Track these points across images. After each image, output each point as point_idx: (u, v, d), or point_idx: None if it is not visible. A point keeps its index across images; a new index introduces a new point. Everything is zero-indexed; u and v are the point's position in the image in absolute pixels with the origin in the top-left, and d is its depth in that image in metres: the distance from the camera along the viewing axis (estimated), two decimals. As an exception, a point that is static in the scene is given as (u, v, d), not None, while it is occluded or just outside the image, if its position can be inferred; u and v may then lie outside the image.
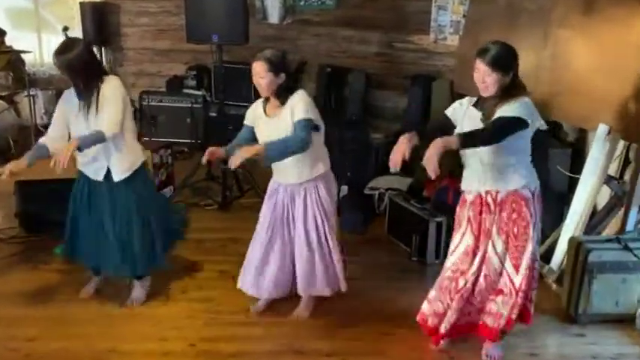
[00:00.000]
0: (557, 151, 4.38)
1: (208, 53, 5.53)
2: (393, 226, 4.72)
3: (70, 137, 3.38)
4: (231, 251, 4.38)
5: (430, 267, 4.23)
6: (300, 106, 3.19)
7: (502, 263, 3.07)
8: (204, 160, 3.34)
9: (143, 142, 5.31)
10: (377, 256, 4.45)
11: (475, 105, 3.05)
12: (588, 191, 3.90)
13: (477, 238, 3.10)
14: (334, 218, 3.45)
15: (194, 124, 6.46)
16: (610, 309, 3.53)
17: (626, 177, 3.92)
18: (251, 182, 5.23)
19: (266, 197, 3.50)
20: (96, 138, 3.24)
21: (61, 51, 3.21)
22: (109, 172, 3.43)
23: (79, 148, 3.20)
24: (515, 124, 2.84)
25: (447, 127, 3.09)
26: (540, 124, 2.98)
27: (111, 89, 3.31)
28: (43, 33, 6.97)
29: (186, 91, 6.69)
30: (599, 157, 3.85)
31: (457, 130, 3.03)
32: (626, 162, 3.98)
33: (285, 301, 3.61)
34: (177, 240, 3.96)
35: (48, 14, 7.01)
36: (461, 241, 3.15)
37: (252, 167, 5.59)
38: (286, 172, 3.35)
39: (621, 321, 3.53)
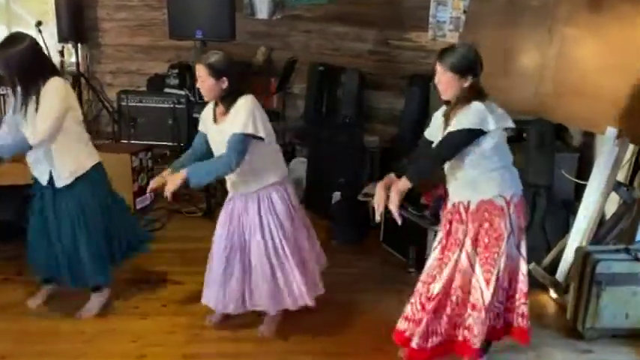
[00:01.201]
0: (562, 156, 4.40)
1: (192, 50, 5.52)
2: (389, 236, 4.72)
3: None
4: (215, 262, 4.37)
5: (428, 279, 4.23)
6: (240, 116, 3.17)
7: (475, 275, 3.07)
8: (149, 195, 3.49)
9: (122, 144, 5.30)
10: (371, 267, 4.46)
11: (444, 114, 3.08)
12: (596, 198, 3.91)
13: (444, 247, 3.14)
14: (290, 230, 3.42)
15: (176, 126, 6.44)
16: (619, 323, 3.54)
17: (636, 183, 3.95)
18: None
19: (223, 207, 3.53)
20: (19, 147, 3.31)
21: (1, 45, 3.20)
22: (52, 176, 3.44)
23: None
24: (465, 136, 2.88)
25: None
26: (503, 124, 2.95)
27: (48, 93, 3.29)
28: (15, 28, 6.94)
29: (167, 90, 6.66)
30: (607, 162, 3.87)
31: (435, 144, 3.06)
32: (635, 167, 4.00)
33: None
34: (138, 252, 3.89)
35: (20, 8, 6.98)
36: (436, 247, 3.21)
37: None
38: (234, 184, 3.41)
39: (631, 336, 3.55)
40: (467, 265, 3.06)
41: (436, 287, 3.11)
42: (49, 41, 5.94)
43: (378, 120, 6.26)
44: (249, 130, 3.15)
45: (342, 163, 5.29)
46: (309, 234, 3.59)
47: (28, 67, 3.24)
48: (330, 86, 6.26)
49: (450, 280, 3.10)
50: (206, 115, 3.40)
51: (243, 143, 3.15)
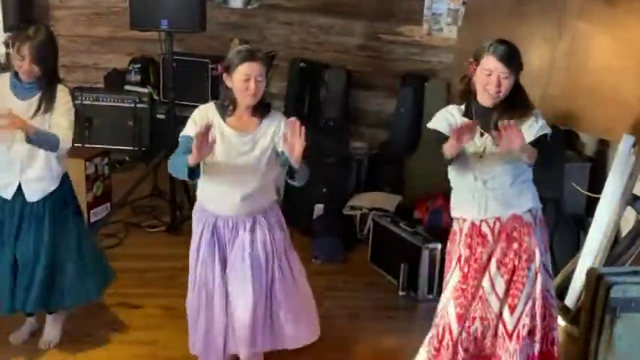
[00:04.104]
0: (573, 166, 4.43)
1: (156, 42, 5.50)
2: (378, 254, 4.72)
3: None
4: (180, 283, 4.31)
5: (422, 304, 4.24)
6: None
7: (501, 305, 3.11)
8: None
9: (75, 148, 5.24)
10: (357, 290, 4.45)
11: (468, 115, 3.08)
12: (610, 214, 3.94)
13: (464, 276, 3.13)
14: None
15: (138, 128, 6.41)
16: (637, 356, 3.55)
17: (655, 197, 3.98)
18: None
19: (199, 234, 3.35)
20: (50, 141, 3.31)
21: (32, 34, 3.29)
22: (20, 189, 3.41)
23: (29, 139, 3.22)
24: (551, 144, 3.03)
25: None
26: None
27: (65, 98, 3.43)
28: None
29: (128, 87, 6.63)
30: (622, 173, 3.90)
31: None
32: (654, 179, 4.03)
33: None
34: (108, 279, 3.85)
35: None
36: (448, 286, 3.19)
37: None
38: (238, 201, 3.24)
39: (650, 370, 3.57)
40: (494, 293, 3.10)
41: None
42: (-7, 30, 5.90)
43: (367, 124, 6.26)
44: None
45: (325, 172, 5.28)
46: None
47: (56, 62, 3.43)
48: (312, 85, 6.27)
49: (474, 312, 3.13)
50: (209, 119, 3.20)
51: None
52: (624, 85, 3.85)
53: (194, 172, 3.02)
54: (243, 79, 3.10)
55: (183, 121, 6.08)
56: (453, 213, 3.24)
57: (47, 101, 3.37)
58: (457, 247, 3.17)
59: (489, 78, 2.96)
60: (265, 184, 3.26)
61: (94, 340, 3.73)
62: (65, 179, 3.57)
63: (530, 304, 3.11)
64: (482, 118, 3.04)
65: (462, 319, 3.12)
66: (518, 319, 3.09)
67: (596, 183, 4.28)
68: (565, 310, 3.97)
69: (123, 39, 6.75)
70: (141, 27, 5.21)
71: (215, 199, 3.24)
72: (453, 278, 3.17)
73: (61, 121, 3.38)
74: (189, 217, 5.18)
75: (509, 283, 3.10)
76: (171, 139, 5.14)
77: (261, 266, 3.27)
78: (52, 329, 3.69)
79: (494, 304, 3.12)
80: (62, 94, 3.43)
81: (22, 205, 3.43)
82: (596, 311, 3.55)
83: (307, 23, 6.52)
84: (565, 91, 4.12)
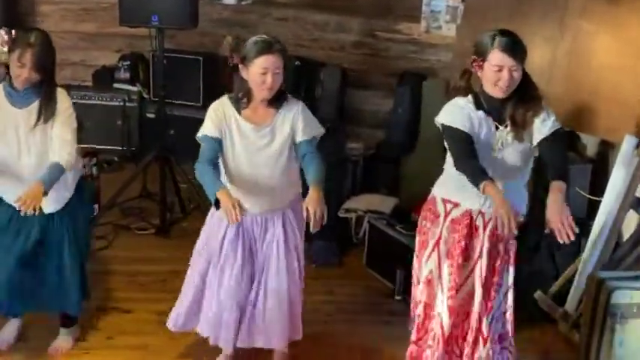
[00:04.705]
0: (573, 168, 4.43)
1: (146, 39, 5.50)
2: (374, 258, 4.73)
3: None
4: (171, 287, 4.32)
5: (419, 309, 4.24)
6: (309, 117, 3.22)
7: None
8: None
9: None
10: (352, 295, 4.45)
11: (480, 108, 3.07)
12: (612, 217, 3.95)
13: (458, 267, 3.16)
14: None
15: (127, 128, 6.41)
16: (638, 363, 3.57)
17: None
18: (197, 200, 5.20)
19: (221, 233, 3.33)
20: (58, 174, 3.25)
21: (33, 41, 3.23)
22: None
23: (46, 192, 3.18)
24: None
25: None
26: None
27: (66, 103, 3.37)
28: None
29: (117, 85, 6.63)
30: (625, 175, 3.92)
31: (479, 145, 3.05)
32: (657, 182, 4.04)
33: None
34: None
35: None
36: (424, 267, 3.25)
37: (199, 182, 5.57)
38: (264, 197, 3.27)
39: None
40: (480, 287, 3.15)
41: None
42: (-22, 26, 5.88)
43: (363, 124, 6.27)
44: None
45: (320, 173, 5.29)
46: None
47: (54, 66, 3.35)
48: (307, 84, 6.27)
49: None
50: (225, 114, 3.21)
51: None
52: (626, 85, 3.87)
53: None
54: (260, 72, 3.06)
55: (174, 120, 6.17)
56: (444, 195, 3.22)
57: (47, 108, 3.31)
58: (438, 229, 3.19)
59: (500, 74, 2.94)
60: (289, 175, 3.26)
61: (82, 345, 3.72)
62: (80, 184, 3.57)
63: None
64: (495, 111, 3.05)
65: (453, 311, 3.17)
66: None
67: (598, 185, 4.29)
68: (565, 316, 3.99)
69: (112, 35, 6.73)
70: (130, 23, 5.21)
71: (240, 198, 3.12)
72: (430, 261, 3.22)
73: (63, 132, 3.33)
74: (180, 220, 5.26)
75: (491, 280, 3.16)
76: (161, 138, 5.18)
77: (294, 261, 3.34)
78: (66, 336, 3.70)
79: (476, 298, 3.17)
80: (62, 98, 3.37)
81: (40, 218, 3.34)
82: (597, 317, 3.57)
83: (302, 20, 6.52)
84: (566, 91, 4.14)
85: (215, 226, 3.35)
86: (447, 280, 3.17)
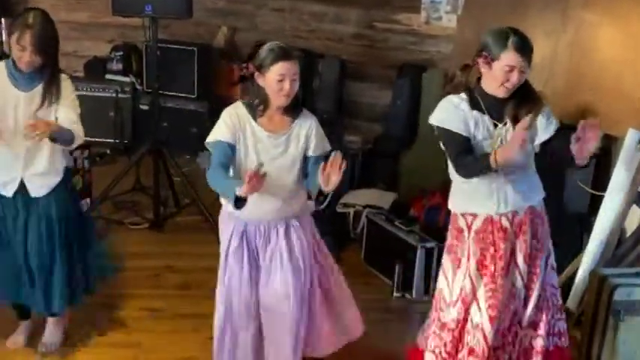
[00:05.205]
0: (576, 162, 4.44)
1: (140, 29, 5.49)
2: (372, 253, 4.73)
3: None
4: (165, 283, 4.35)
5: (417, 305, 4.25)
6: (321, 132, 3.23)
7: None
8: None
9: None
10: (351, 291, 4.45)
11: (475, 107, 3.04)
12: (614, 213, 3.96)
13: (492, 275, 3.12)
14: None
15: (119, 120, 6.41)
16: (640, 361, 3.58)
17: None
18: (191, 195, 5.20)
19: (227, 241, 3.26)
20: (68, 136, 3.25)
21: (32, 22, 3.22)
22: (23, 185, 3.36)
23: (53, 138, 3.17)
24: None
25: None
26: None
27: (70, 89, 3.36)
28: None
29: (109, 76, 6.62)
30: (628, 170, 3.92)
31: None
32: (661, 177, 4.05)
33: None
34: (105, 276, 3.87)
35: None
36: (461, 287, 3.18)
37: (193, 176, 5.58)
38: (272, 206, 3.21)
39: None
40: (521, 287, 3.16)
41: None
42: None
43: (361, 116, 6.27)
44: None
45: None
46: None
47: (57, 49, 3.35)
48: (305, 76, 6.18)
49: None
50: (240, 119, 3.14)
51: None
52: (630, 78, 3.88)
53: (242, 201, 2.88)
54: (278, 80, 3.05)
55: (167, 112, 6.15)
56: (460, 209, 3.19)
57: (51, 93, 3.29)
58: (466, 246, 3.15)
59: (510, 74, 2.92)
60: (299, 186, 3.23)
61: (72, 342, 3.72)
62: (67, 171, 3.53)
63: (538, 295, 3.18)
64: (492, 108, 3.03)
65: (494, 321, 3.12)
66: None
67: (600, 180, 4.30)
68: (567, 313, 3.99)
69: (104, 25, 6.73)
70: (123, 12, 5.19)
71: (248, 205, 3.07)
72: (467, 280, 3.15)
73: (70, 114, 3.31)
74: (174, 214, 5.26)
75: (529, 276, 3.17)
76: (154, 131, 5.18)
77: (301, 273, 3.24)
78: (55, 331, 3.67)
79: (521, 298, 3.18)
80: (66, 84, 3.35)
81: (26, 202, 3.37)
82: (599, 314, 3.58)
83: (299, 10, 6.52)
84: (567, 84, 4.15)
85: (223, 232, 3.29)
86: (482, 291, 3.14)
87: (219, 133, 3.09)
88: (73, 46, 6.97)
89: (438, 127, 3.07)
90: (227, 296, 3.22)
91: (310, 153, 3.20)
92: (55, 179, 3.42)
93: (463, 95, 3.06)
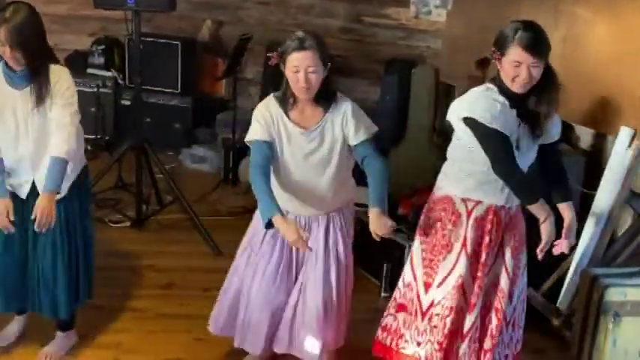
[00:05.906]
0: (567, 160, 4.43)
1: (121, 22, 5.48)
2: (360, 253, 4.73)
3: None
4: (147, 282, 4.34)
5: (406, 306, 4.26)
6: (359, 117, 3.15)
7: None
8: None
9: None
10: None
11: (513, 106, 3.03)
12: (606, 211, 3.99)
13: (473, 268, 3.17)
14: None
15: (101, 115, 6.39)
16: (632, 362, 3.61)
17: (654, 194, 4.03)
18: (174, 193, 5.19)
19: (271, 233, 3.24)
20: (61, 169, 3.19)
21: (9, 15, 3.10)
22: (34, 187, 3.32)
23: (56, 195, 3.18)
24: None
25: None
26: None
27: (66, 83, 3.27)
28: None
29: (91, 71, 6.62)
30: (619, 168, 3.94)
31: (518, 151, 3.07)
32: (653, 175, 4.08)
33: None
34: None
35: None
36: (452, 271, 3.19)
37: (176, 173, 5.57)
38: (311, 203, 3.22)
39: (647, 378, 3.62)
40: (507, 279, 3.21)
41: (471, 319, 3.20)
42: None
43: (349, 113, 6.28)
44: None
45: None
46: None
47: (42, 43, 3.24)
48: (290, 71, 6.27)
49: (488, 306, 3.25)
50: (273, 116, 3.13)
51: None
52: (622, 74, 3.89)
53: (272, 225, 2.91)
54: (293, 71, 3.01)
55: (150, 108, 6.13)
56: (463, 193, 3.18)
57: (40, 90, 3.20)
58: (461, 230, 3.17)
59: (518, 69, 2.92)
60: (339, 179, 3.20)
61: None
62: (85, 172, 3.52)
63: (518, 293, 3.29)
64: (516, 104, 3.02)
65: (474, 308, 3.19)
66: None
67: (592, 179, 4.31)
68: (558, 313, 4.02)
69: (85, 18, 6.71)
70: (105, 5, 5.18)
71: (285, 201, 3.11)
72: (460, 265, 3.17)
73: (60, 115, 3.23)
74: (156, 212, 5.24)
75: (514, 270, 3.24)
76: (137, 126, 5.16)
77: (333, 269, 3.29)
78: (61, 342, 3.65)
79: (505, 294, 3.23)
80: (62, 77, 3.28)
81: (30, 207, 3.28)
82: (590, 314, 3.60)
83: (286, 3, 6.52)
84: (560, 80, 4.16)
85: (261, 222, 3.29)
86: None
87: (255, 132, 3.10)
88: (54, 40, 6.83)
89: (475, 121, 2.99)
90: (244, 277, 3.32)
91: (353, 142, 3.13)
92: (66, 183, 3.33)
93: (495, 89, 3.03)
